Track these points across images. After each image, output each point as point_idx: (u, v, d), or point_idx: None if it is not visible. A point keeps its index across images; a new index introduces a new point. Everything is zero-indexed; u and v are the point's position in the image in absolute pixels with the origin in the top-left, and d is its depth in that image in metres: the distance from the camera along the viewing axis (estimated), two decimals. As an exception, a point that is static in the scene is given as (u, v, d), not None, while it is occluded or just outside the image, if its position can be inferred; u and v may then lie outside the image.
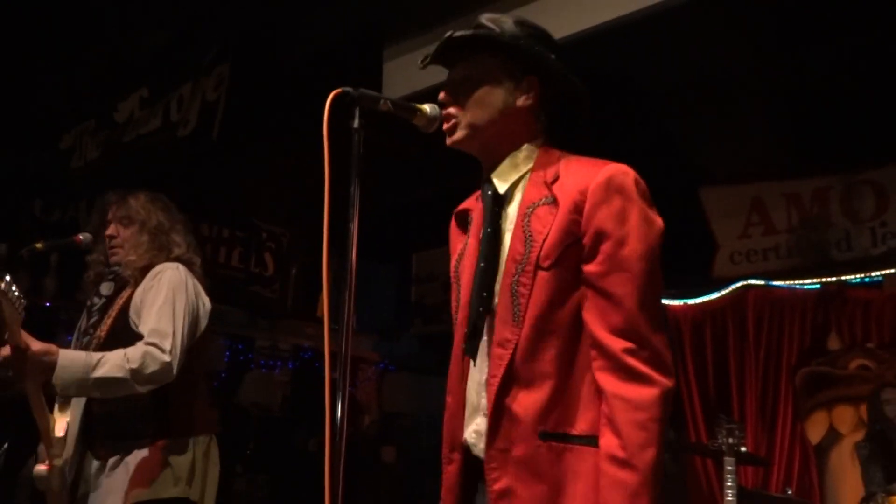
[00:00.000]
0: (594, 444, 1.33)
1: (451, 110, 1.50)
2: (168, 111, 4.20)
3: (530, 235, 1.41)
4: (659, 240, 1.40)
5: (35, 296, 4.81)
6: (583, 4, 2.88)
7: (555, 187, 1.42)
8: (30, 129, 4.79)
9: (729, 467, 3.20)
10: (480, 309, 1.44)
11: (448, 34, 1.49)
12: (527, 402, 1.36)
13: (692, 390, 4.81)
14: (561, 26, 2.91)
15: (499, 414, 1.38)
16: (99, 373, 2.14)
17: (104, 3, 3.81)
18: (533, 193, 1.45)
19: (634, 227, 1.36)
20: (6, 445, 3.65)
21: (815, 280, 4.54)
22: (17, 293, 1.94)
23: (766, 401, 4.58)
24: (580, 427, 1.35)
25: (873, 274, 4.37)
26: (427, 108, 1.48)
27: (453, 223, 1.67)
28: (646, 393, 1.29)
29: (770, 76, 3.74)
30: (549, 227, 1.39)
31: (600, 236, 1.36)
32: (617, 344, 1.32)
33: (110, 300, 2.48)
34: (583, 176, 1.41)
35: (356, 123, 1.31)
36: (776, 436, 4.50)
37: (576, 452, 1.33)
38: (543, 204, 1.42)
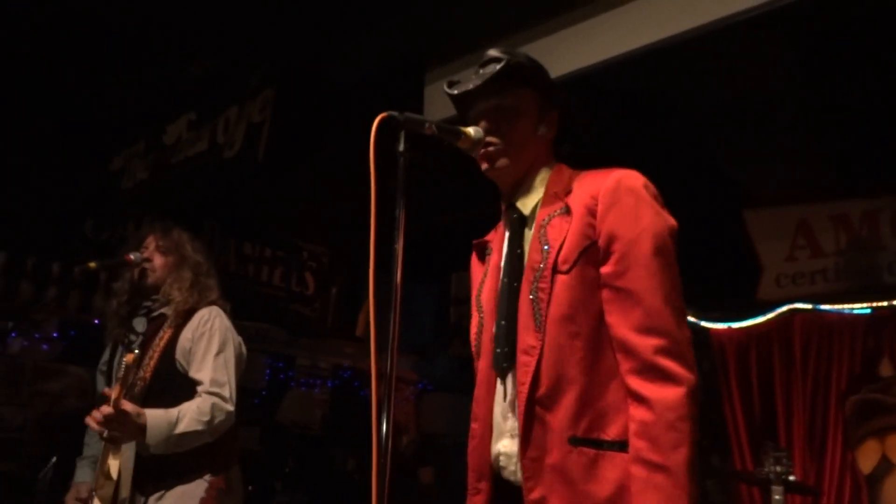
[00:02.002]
0: (626, 449, 1.31)
1: (493, 139, 1.52)
2: (215, 134, 4.30)
3: (547, 244, 1.43)
4: (672, 237, 1.40)
5: (85, 313, 4.94)
6: (627, 27, 2.88)
7: (568, 199, 1.46)
8: (81, 151, 4.93)
9: (777, 496, 3.12)
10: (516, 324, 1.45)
11: (503, 62, 1.50)
12: (556, 407, 1.36)
13: (737, 416, 4.70)
14: (606, 48, 2.91)
15: (530, 422, 1.38)
16: (180, 428, 2.21)
17: (154, 30, 3.93)
18: (548, 207, 1.49)
19: (647, 225, 1.37)
20: (55, 459, 3.74)
21: (865, 304, 4.42)
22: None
23: (814, 428, 4.45)
24: (612, 432, 1.33)
25: (927, 298, 4.24)
26: (471, 131, 1.50)
27: (473, 255, 1.71)
28: (674, 392, 1.27)
29: (816, 96, 3.68)
30: (565, 233, 1.42)
31: (614, 236, 1.37)
32: (644, 342, 1.31)
33: (148, 339, 2.49)
34: (593, 183, 1.44)
35: (402, 147, 1.33)
36: (825, 464, 4.37)
37: (608, 458, 1.32)
38: (558, 215, 1.46)
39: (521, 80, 1.54)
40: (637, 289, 1.34)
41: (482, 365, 1.52)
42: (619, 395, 1.34)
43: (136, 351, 2.32)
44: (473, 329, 1.58)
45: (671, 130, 3.90)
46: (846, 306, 4.48)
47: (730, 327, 4.85)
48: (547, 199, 1.50)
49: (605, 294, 1.37)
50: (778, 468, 3.14)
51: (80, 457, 2.60)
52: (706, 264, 4.03)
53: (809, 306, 4.56)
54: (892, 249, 4.21)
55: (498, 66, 1.50)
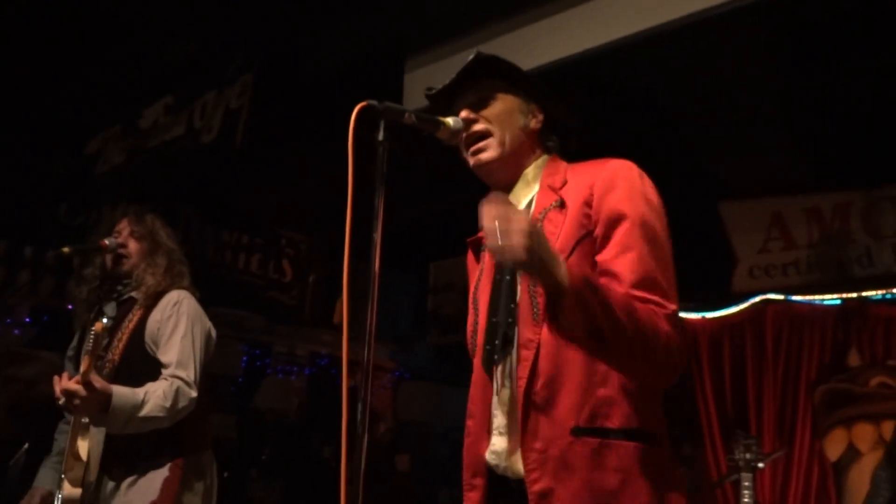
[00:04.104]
0: (631, 437, 1.33)
1: (479, 128, 1.53)
2: (192, 118, 4.25)
3: None
4: (664, 227, 1.41)
5: (58, 299, 4.88)
6: (606, 18, 2.89)
7: (562, 191, 1.47)
8: (56, 134, 4.86)
9: (746, 483, 3.18)
10: (510, 320, 1.45)
11: (475, 55, 1.52)
12: (556, 399, 1.36)
13: (709, 404, 4.78)
14: (584, 39, 2.93)
15: (529, 415, 1.38)
16: (143, 412, 2.20)
17: (132, 12, 3.88)
18: (543, 200, 1.50)
19: (640, 213, 1.38)
20: (27, 445, 3.70)
21: (835, 296, 4.50)
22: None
23: (784, 417, 4.53)
24: (615, 421, 1.35)
25: (895, 290, 4.32)
26: (450, 121, 1.51)
27: (469, 253, 1.71)
28: (656, 308, 1.30)
29: (792, 91, 3.73)
30: (561, 226, 1.43)
31: (609, 223, 1.39)
32: (630, 281, 1.33)
33: (118, 322, 2.47)
34: (589, 174, 1.46)
35: (381, 136, 1.33)
36: (794, 452, 4.46)
37: (613, 448, 1.33)
38: (553, 208, 1.46)
39: (495, 72, 1.56)
40: (628, 269, 1.35)
41: (477, 363, 1.52)
42: (620, 384, 1.36)
43: (105, 320, 2.29)
44: (469, 328, 1.58)
45: (648, 122, 3.93)
46: (817, 298, 4.56)
47: (704, 317, 4.92)
48: (542, 193, 1.51)
49: (602, 281, 1.38)
50: (748, 455, 3.21)
51: (48, 456, 2.56)
52: (681, 254, 4.07)
53: (781, 297, 4.64)
54: (861, 243, 4.29)
55: (470, 58, 1.53)
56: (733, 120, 3.94)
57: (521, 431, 1.39)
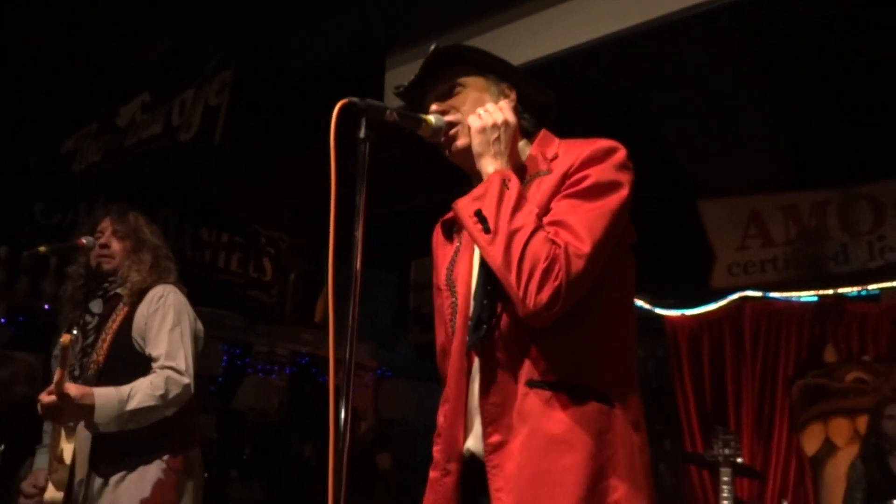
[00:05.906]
0: (584, 394, 1.35)
1: (451, 118, 1.52)
2: (170, 116, 4.21)
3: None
4: (619, 208, 1.39)
5: (34, 299, 4.82)
6: (585, 17, 2.90)
7: (553, 163, 1.46)
8: (32, 132, 4.80)
9: (725, 478, 3.21)
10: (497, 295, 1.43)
11: (433, 48, 1.51)
12: (516, 355, 1.38)
13: (689, 400, 4.82)
14: (564, 38, 2.94)
15: (489, 370, 1.40)
16: (132, 405, 2.18)
17: (108, 9, 3.83)
18: (532, 168, 1.50)
19: (595, 181, 1.38)
20: (3, 447, 3.65)
21: (812, 292, 4.57)
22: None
23: (762, 412, 4.59)
24: (570, 378, 1.36)
25: (870, 287, 4.39)
26: (432, 118, 1.50)
27: (439, 232, 1.67)
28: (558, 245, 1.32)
29: (770, 90, 3.76)
30: (541, 190, 1.43)
31: (569, 175, 1.40)
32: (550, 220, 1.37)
33: (103, 319, 2.45)
34: (578, 149, 1.44)
35: (362, 134, 1.32)
36: (772, 447, 4.52)
37: (563, 399, 1.35)
38: (540, 175, 1.47)
39: (460, 60, 1.55)
40: (563, 216, 1.36)
41: (455, 346, 1.49)
42: (577, 343, 1.37)
43: (75, 332, 2.27)
44: (447, 311, 1.54)
45: (628, 121, 3.95)
46: (794, 294, 4.62)
47: (683, 314, 4.96)
48: (531, 161, 1.51)
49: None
50: (726, 451, 3.24)
51: (40, 444, 2.55)
52: (661, 252, 4.11)
53: (759, 294, 4.70)
54: (838, 240, 4.36)
55: (430, 51, 1.52)
56: (712, 119, 3.98)
57: (480, 386, 1.40)
